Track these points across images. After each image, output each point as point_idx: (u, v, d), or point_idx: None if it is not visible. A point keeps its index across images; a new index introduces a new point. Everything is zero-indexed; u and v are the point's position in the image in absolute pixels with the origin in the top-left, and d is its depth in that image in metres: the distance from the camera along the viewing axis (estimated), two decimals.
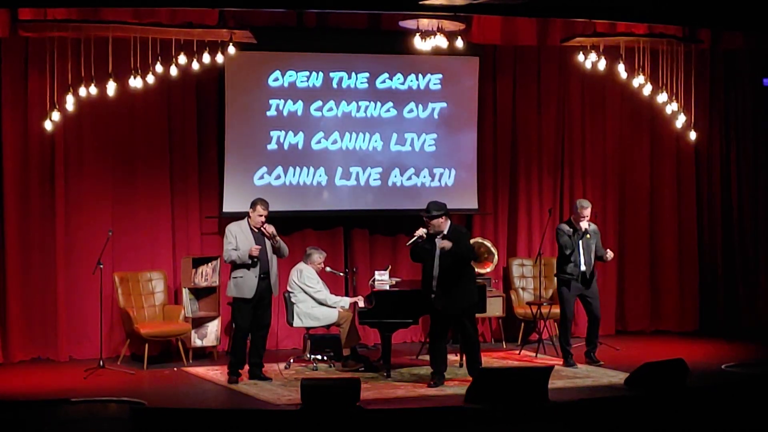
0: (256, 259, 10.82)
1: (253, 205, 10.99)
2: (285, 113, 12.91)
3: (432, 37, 11.59)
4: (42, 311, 12.26)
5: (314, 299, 11.74)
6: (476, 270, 12.93)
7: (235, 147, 12.75)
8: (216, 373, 11.42)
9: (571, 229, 11.74)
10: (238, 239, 10.89)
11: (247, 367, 11.04)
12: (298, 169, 13.01)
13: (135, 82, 11.52)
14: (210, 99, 12.84)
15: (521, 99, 13.92)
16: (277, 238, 10.97)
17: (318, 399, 9.12)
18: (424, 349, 12.67)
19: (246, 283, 10.85)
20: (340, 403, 9.11)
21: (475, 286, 10.98)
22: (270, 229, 10.93)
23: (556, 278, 12.04)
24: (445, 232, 10.71)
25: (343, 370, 11.54)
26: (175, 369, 11.74)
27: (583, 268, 11.70)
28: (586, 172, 14.12)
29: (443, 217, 10.72)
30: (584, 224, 11.69)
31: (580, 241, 11.70)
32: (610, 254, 11.95)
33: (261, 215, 10.92)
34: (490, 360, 11.90)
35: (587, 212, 11.76)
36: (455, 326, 11.02)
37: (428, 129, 13.38)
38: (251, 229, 10.95)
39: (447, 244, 10.55)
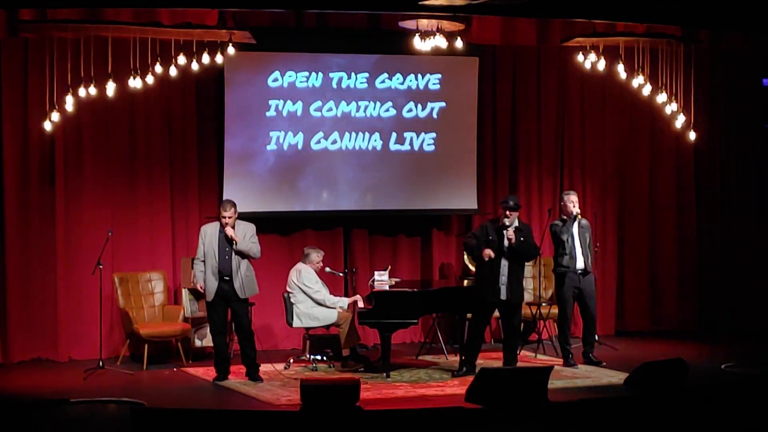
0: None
1: (220, 206, 11.10)
2: (284, 113, 12.91)
3: (432, 37, 11.59)
4: (42, 311, 12.27)
5: (313, 299, 11.74)
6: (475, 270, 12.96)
7: (234, 147, 12.75)
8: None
9: (562, 223, 11.86)
10: (206, 241, 10.96)
11: (244, 368, 11.12)
12: (297, 169, 13.00)
13: (135, 83, 11.52)
14: (210, 99, 12.84)
15: (521, 99, 13.92)
16: (237, 241, 10.85)
17: (318, 399, 9.12)
18: (424, 349, 12.69)
19: (207, 285, 10.93)
20: (340, 403, 9.11)
21: None
22: (229, 232, 10.87)
23: (554, 274, 12.07)
24: (516, 224, 11.20)
25: (343, 370, 11.54)
26: (175, 369, 11.75)
27: (579, 262, 11.73)
28: (586, 172, 14.13)
29: (518, 210, 11.36)
30: (575, 209, 11.79)
31: (575, 232, 11.75)
32: None
33: (223, 217, 10.91)
34: (490, 360, 11.89)
35: (574, 198, 11.91)
36: (506, 317, 11.36)
37: (427, 128, 13.38)
38: (221, 230, 10.96)
39: (512, 234, 11.05)
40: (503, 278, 11.11)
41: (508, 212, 11.18)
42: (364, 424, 8.29)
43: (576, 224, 11.84)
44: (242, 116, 12.78)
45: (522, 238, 11.14)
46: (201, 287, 10.95)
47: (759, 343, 13.30)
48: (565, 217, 11.91)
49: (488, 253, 11.07)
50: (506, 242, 11.10)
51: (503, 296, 11.13)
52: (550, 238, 12.09)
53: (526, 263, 11.67)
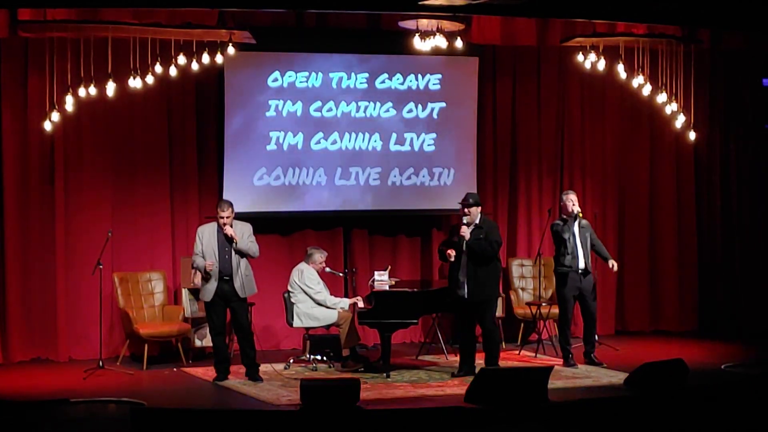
0: (208, 273, 10.83)
1: (217, 206, 11.08)
2: (284, 114, 12.91)
3: (431, 37, 11.60)
4: (42, 311, 12.27)
5: (314, 300, 11.75)
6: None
7: (234, 147, 12.75)
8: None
9: (563, 223, 11.85)
10: (204, 242, 10.94)
11: (244, 368, 11.11)
12: (297, 169, 13.00)
13: (134, 83, 11.52)
14: (210, 99, 12.84)
15: (521, 99, 13.92)
16: (236, 240, 10.85)
17: (318, 399, 9.13)
18: (424, 349, 12.69)
19: (206, 286, 10.91)
20: (339, 403, 9.12)
21: (498, 279, 11.49)
22: (229, 231, 10.87)
23: (555, 274, 12.05)
24: (477, 222, 11.11)
25: (342, 370, 11.54)
26: (175, 369, 11.75)
27: (581, 262, 11.72)
28: (586, 172, 14.13)
29: (478, 207, 11.20)
30: (576, 208, 11.79)
31: (577, 231, 11.74)
32: (613, 264, 12.04)
33: (221, 217, 10.91)
34: None
35: (573, 197, 11.90)
36: (477, 318, 11.31)
37: (428, 129, 13.38)
38: (219, 230, 10.95)
39: (465, 231, 10.97)
40: (461, 276, 11.08)
41: (466, 209, 11.16)
42: (364, 424, 8.30)
43: (576, 224, 11.83)
44: (242, 116, 12.78)
45: (481, 236, 11.06)
46: (210, 266, 10.80)
47: (759, 343, 13.30)
48: (565, 217, 11.90)
49: (450, 253, 11.07)
50: (461, 240, 11.06)
51: (461, 293, 11.09)
52: (550, 239, 12.09)
53: (523, 263, 11.64)
